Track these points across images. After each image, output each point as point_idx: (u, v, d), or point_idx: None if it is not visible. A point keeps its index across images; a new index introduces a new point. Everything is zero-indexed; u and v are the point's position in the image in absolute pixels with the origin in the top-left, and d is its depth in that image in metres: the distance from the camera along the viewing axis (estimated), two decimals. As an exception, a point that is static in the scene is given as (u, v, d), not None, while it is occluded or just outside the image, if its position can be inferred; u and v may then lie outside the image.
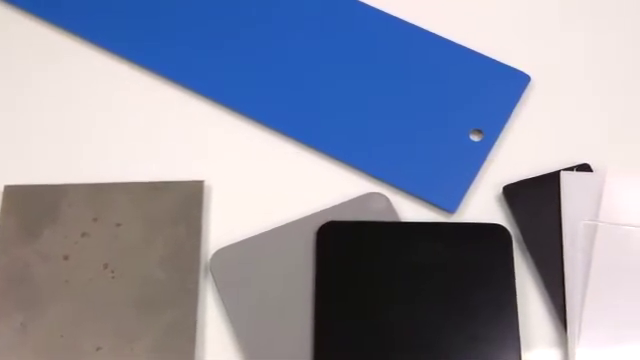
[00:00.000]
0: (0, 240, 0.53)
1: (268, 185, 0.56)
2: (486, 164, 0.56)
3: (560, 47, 0.60)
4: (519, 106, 0.58)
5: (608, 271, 0.50)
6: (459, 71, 0.58)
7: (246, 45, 0.60)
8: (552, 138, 0.57)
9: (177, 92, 0.59)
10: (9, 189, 0.54)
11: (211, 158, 0.57)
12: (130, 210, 0.54)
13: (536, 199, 0.53)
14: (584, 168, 0.54)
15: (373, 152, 0.56)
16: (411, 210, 0.55)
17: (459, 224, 0.53)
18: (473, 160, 0.55)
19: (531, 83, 0.58)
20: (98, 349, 0.50)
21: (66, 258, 0.52)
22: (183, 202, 0.54)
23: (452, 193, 0.54)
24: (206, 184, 0.55)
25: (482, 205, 0.55)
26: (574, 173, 0.54)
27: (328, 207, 0.54)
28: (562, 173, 0.54)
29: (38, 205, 0.54)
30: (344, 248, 0.52)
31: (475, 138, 0.56)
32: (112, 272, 0.52)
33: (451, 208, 0.54)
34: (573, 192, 0.53)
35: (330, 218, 0.53)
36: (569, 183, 0.53)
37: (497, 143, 0.56)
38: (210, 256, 0.52)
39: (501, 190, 0.54)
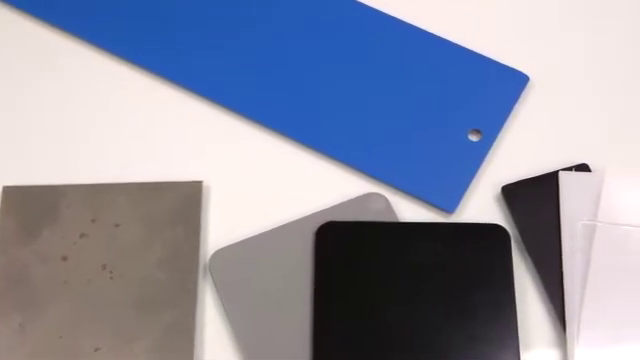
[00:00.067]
0: (-1, 241, 0.53)
1: (267, 185, 0.56)
2: (485, 164, 0.56)
3: (558, 47, 0.60)
4: (518, 106, 0.58)
5: (607, 271, 0.50)
6: (458, 71, 0.58)
7: (244, 46, 0.60)
8: (551, 138, 0.57)
9: (176, 92, 0.59)
10: (8, 190, 0.54)
11: (210, 158, 0.57)
12: (129, 211, 0.54)
13: (535, 199, 0.53)
14: (583, 168, 0.54)
15: (372, 152, 0.56)
16: (410, 210, 0.55)
17: (458, 224, 0.53)
18: (472, 160, 0.55)
19: (530, 83, 0.58)
20: (97, 350, 0.50)
21: (65, 259, 0.52)
22: (182, 202, 0.54)
23: (451, 193, 0.54)
24: (205, 184, 0.55)
25: (481, 205, 0.55)
26: (573, 173, 0.54)
27: (327, 207, 0.54)
28: (561, 173, 0.54)
29: (37, 206, 0.54)
30: (343, 248, 0.52)
31: (474, 138, 0.56)
32: (111, 273, 0.52)
33: (450, 208, 0.54)
34: (572, 192, 0.53)
35: (329, 218, 0.53)
36: (568, 183, 0.53)
37: (496, 143, 0.56)
38: (209, 256, 0.52)
39: (500, 190, 0.54)
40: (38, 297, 0.51)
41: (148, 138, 0.57)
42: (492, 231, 0.52)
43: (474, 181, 0.55)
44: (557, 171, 0.54)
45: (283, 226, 0.53)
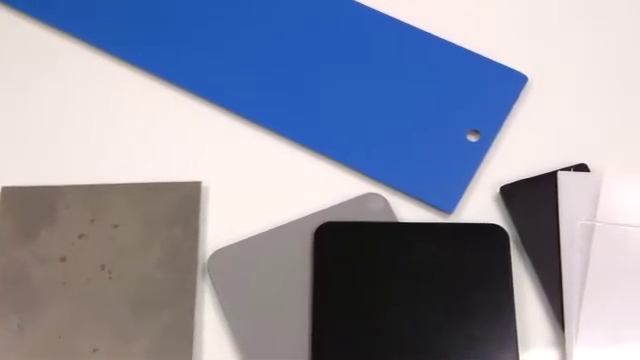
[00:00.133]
0: (-3, 241, 0.53)
1: (265, 186, 0.56)
2: (483, 164, 0.56)
3: (557, 47, 0.60)
4: (516, 106, 0.58)
5: (605, 271, 0.50)
6: (456, 71, 0.58)
7: (243, 46, 0.60)
8: (549, 138, 0.57)
9: (174, 93, 0.59)
10: (6, 190, 0.54)
11: (208, 159, 0.57)
12: (127, 211, 0.54)
13: (533, 199, 0.53)
14: (581, 168, 0.54)
15: (371, 153, 0.56)
16: (409, 210, 0.55)
17: (456, 224, 0.53)
18: (470, 160, 0.55)
19: (528, 83, 0.58)
20: (95, 350, 0.50)
21: (63, 259, 0.52)
22: (180, 203, 0.54)
23: (449, 193, 0.54)
24: (203, 185, 0.55)
25: (479, 205, 0.55)
26: (571, 173, 0.54)
27: (326, 208, 0.54)
28: (559, 173, 0.54)
29: (35, 206, 0.54)
30: (342, 248, 0.52)
31: (472, 138, 0.56)
32: (109, 273, 0.52)
33: (448, 208, 0.54)
34: (570, 192, 0.53)
35: (328, 219, 0.53)
36: (566, 183, 0.53)
37: (494, 143, 0.56)
38: (208, 257, 0.52)
39: (498, 190, 0.54)
40: (37, 298, 0.51)
41: (147, 138, 0.57)
42: (491, 231, 0.52)
43: (473, 181, 0.55)
44: (556, 171, 0.54)
45: (282, 226, 0.53)
